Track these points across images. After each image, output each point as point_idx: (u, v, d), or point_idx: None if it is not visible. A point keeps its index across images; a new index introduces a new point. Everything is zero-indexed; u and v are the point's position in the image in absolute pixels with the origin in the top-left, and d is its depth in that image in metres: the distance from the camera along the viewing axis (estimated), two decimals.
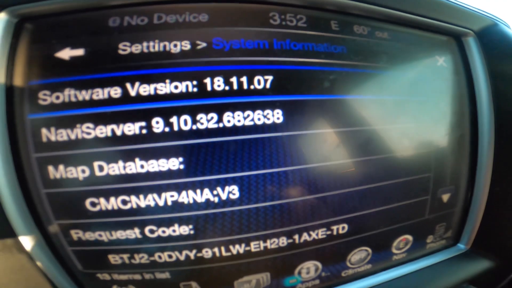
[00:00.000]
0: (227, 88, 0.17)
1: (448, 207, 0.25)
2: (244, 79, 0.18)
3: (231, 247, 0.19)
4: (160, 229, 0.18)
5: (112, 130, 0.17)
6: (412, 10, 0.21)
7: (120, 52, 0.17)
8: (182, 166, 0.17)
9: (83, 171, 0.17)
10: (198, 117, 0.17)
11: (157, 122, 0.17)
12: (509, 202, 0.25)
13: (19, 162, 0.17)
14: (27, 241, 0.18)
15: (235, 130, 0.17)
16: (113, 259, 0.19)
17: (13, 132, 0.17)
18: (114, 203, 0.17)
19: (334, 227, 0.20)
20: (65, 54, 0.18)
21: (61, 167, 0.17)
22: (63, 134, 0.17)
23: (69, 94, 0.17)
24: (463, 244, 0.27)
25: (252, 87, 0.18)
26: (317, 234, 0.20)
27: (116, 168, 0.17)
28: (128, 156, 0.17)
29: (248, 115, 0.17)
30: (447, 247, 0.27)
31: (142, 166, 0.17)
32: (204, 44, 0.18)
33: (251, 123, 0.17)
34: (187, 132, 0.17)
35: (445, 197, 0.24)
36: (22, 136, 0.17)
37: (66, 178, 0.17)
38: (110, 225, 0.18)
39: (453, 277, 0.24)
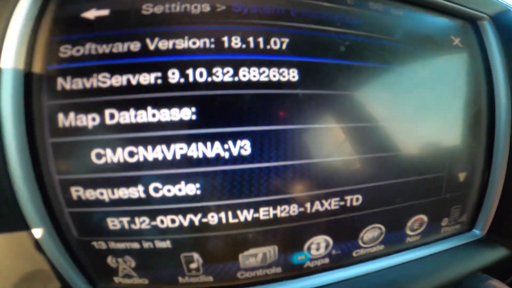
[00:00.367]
0: (244, 46, 0.18)
1: (464, 187, 0.24)
2: (260, 39, 0.18)
3: (238, 212, 0.18)
4: (166, 188, 0.17)
5: (128, 80, 0.17)
6: None
7: (143, 12, 0.18)
8: (194, 117, 0.17)
9: (94, 119, 0.17)
10: (214, 70, 0.17)
11: (173, 73, 0.17)
12: None
13: (30, 110, 0.17)
14: (25, 200, 0.17)
15: (250, 84, 0.17)
16: (112, 223, 0.18)
17: (29, 80, 0.17)
18: (120, 155, 0.17)
19: (348, 198, 0.19)
20: (91, 14, 0.18)
21: (71, 114, 0.17)
22: (79, 83, 0.17)
23: (89, 48, 0.17)
24: (478, 229, 0.25)
25: (268, 47, 0.18)
26: (329, 204, 0.19)
27: (127, 117, 0.17)
28: (141, 104, 0.16)
29: (264, 72, 0.17)
30: (462, 233, 0.25)
31: (153, 115, 0.17)
32: (223, 7, 0.18)
33: (266, 79, 0.17)
34: (202, 84, 0.17)
35: (462, 176, 0.23)
36: (37, 83, 0.17)
37: (75, 126, 0.17)
38: (113, 181, 0.17)
39: (467, 264, 0.23)
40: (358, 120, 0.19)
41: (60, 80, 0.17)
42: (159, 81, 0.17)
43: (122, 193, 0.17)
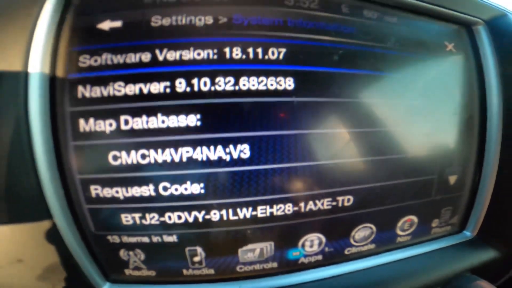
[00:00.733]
0: (244, 57, 0.19)
1: (454, 190, 0.24)
2: (259, 50, 0.19)
3: (238, 210, 0.19)
4: (173, 187, 0.19)
5: (140, 88, 0.18)
6: None
7: (152, 24, 0.20)
8: (199, 123, 0.18)
9: (110, 125, 0.19)
10: (217, 79, 0.18)
11: (180, 83, 0.18)
12: None
13: (54, 115, 0.19)
14: (51, 197, 0.19)
15: (249, 92, 0.19)
16: (125, 219, 0.20)
17: (53, 88, 0.19)
18: (134, 157, 0.19)
19: (340, 198, 0.20)
20: (106, 25, 0.20)
21: (91, 120, 0.19)
22: (97, 91, 0.19)
23: (106, 58, 0.19)
24: (469, 231, 0.26)
25: (266, 57, 0.19)
26: (322, 204, 0.20)
27: (140, 122, 0.18)
28: (152, 111, 0.18)
29: (262, 81, 0.19)
30: (453, 234, 0.26)
31: (163, 121, 0.18)
32: (225, 20, 0.20)
33: (264, 87, 0.19)
34: (206, 92, 0.18)
35: (452, 179, 0.24)
36: (60, 91, 0.19)
37: (95, 131, 0.19)
38: (127, 180, 0.19)
39: (457, 264, 0.23)
40: (351, 125, 0.20)
41: (80, 88, 0.19)
42: (168, 90, 0.18)
43: (135, 191, 0.19)
